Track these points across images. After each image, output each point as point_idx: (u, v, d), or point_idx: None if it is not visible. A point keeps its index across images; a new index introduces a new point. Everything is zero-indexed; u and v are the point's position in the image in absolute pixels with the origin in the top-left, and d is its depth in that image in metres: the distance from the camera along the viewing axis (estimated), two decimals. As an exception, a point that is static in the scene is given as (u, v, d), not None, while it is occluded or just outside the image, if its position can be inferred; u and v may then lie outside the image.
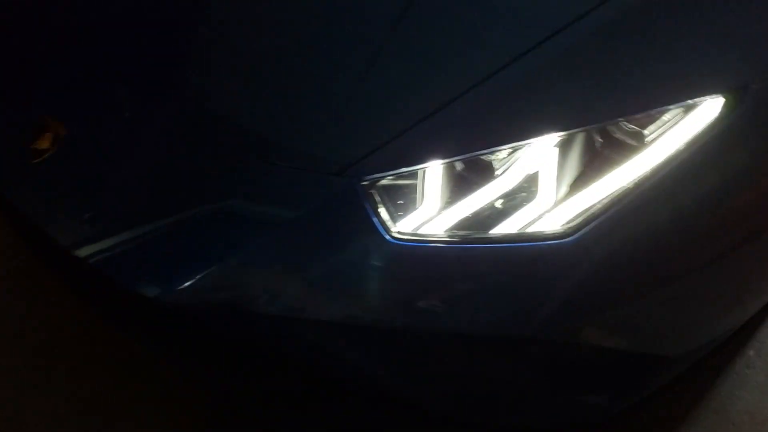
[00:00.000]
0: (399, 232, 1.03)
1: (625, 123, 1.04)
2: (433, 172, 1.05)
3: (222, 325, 1.11)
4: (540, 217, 1.02)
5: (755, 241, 1.14)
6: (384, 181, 1.06)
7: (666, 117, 1.03)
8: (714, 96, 1.02)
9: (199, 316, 1.10)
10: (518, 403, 1.20)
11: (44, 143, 1.23)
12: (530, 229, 1.02)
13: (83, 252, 1.14)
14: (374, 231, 1.03)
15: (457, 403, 1.19)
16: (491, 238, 1.02)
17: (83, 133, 1.24)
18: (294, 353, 1.13)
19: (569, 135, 1.03)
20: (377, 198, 1.05)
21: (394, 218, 1.04)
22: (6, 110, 1.33)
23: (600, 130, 1.04)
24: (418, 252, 1.03)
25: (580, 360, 1.13)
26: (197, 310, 1.09)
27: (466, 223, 1.04)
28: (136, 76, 1.27)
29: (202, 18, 1.34)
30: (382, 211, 1.04)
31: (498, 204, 1.05)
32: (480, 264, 1.02)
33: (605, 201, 1.00)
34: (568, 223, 1.01)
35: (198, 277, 1.08)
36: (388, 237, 1.03)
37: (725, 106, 1.01)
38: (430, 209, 1.05)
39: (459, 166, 1.06)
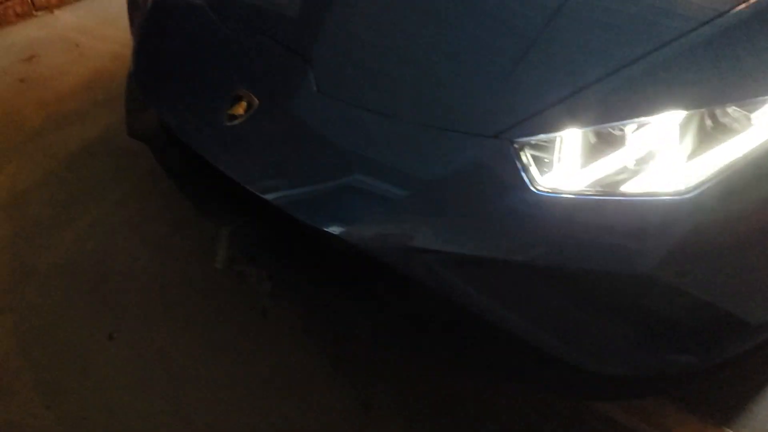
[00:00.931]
0: (544, 186, 1.28)
1: (735, 107, 1.28)
2: (573, 138, 1.30)
3: (386, 259, 1.36)
4: (661, 179, 1.26)
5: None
6: (531, 144, 1.31)
7: (768, 105, 1.27)
8: None
9: (368, 252, 1.35)
10: (623, 349, 1.41)
11: (239, 110, 1.51)
12: (654, 188, 1.26)
13: (271, 196, 1.41)
14: (523, 184, 1.28)
15: (570, 345, 1.40)
16: (621, 192, 1.26)
17: (270, 105, 1.50)
18: (436, 287, 1.37)
19: (688, 114, 1.27)
20: (526, 158, 1.30)
21: (540, 175, 1.29)
22: (207, 84, 1.60)
23: (712, 112, 1.29)
24: (559, 202, 1.27)
25: (680, 309, 1.35)
26: (369, 246, 1.34)
27: (599, 182, 1.28)
28: (312, 60, 1.54)
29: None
30: (530, 168, 1.29)
31: (626, 167, 1.29)
32: (610, 213, 1.26)
33: (717, 168, 1.24)
34: (685, 184, 1.24)
35: (373, 218, 1.34)
36: (534, 189, 1.28)
37: None
38: (569, 169, 1.30)
39: (595, 134, 1.31)
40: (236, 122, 1.49)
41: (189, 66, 1.68)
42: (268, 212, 1.53)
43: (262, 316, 1.86)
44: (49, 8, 2.91)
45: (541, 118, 1.31)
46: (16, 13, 2.82)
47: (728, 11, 1.36)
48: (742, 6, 1.36)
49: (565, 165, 1.30)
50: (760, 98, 1.27)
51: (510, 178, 1.30)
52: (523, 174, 1.29)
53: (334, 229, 1.36)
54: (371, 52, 1.53)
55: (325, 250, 1.53)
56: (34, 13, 2.87)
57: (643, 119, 1.29)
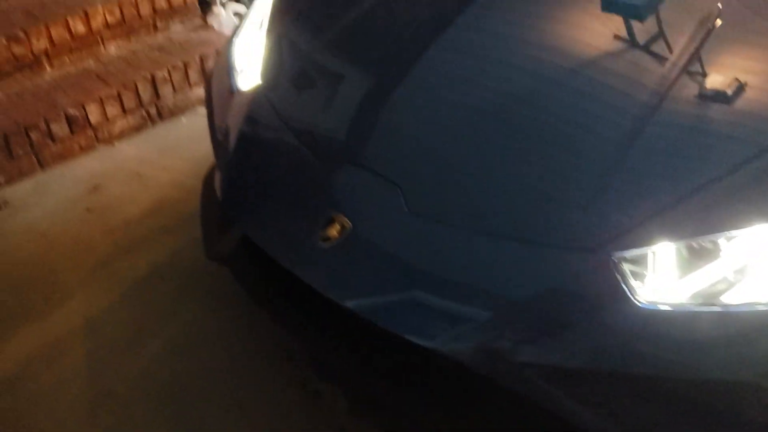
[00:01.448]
0: (644, 299, 1.33)
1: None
2: (667, 252, 1.37)
3: (481, 370, 1.40)
4: (759, 289, 1.32)
5: None
6: (630, 257, 1.37)
7: None
8: None
9: (460, 362, 1.40)
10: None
11: (333, 232, 1.58)
12: (753, 298, 1.31)
13: (366, 313, 1.47)
14: (625, 297, 1.34)
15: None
16: (721, 302, 1.32)
17: (363, 227, 1.58)
18: (537, 400, 1.40)
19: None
20: (625, 271, 1.36)
21: (640, 287, 1.35)
22: (297, 207, 1.69)
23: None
24: (661, 314, 1.33)
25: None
26: (460, 357, 1.39)
27: (698, 294, 1.34)
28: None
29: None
30: (630, 281, 1.35)
31: (724, 278, 1.35)
32: (713, 323, 1.31)
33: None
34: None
35: (469, 332, 1.40)
36: (636, 302, 1.33)
37: None
38: (666, 281, 1.36)
39: (686, 248, 1.38)
40: (330, 244, 1.56)
41: (277, 190, 1.77)
42: (355, 329, 1.58)
43: (341, 435, 1.87)
44: (110, 141, 3.06)
45: (635, 233, 1.39)
46: (80, 147, 2.97)
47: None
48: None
49: (661, 277, 1.36)
50: None
51: (611, 292, 1.35)
52: (624, 287, 1.35)
53: (428, 342, 1.41)
54: (458, 169, 1.61)
55: (413, 364, 1.57)
56: (97, 145, 3.02)
57: (732, 232, 1.36)
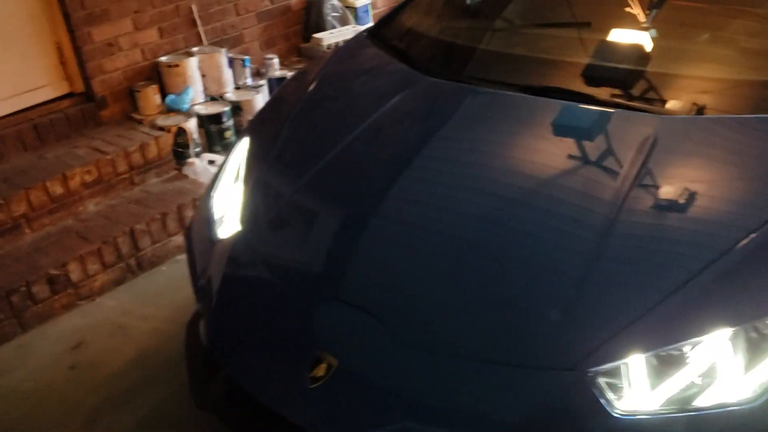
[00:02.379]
0: (622, 410, 1.40)
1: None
2: (638, 363, 1.45)
3: None
4: (727, 391, 1.39)
5: None
6: (604, 371, 1.44)
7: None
8: None
9: None
10: None
11: (320, 372, 1.64)
12: (722, 400, 1.38)
13: None
14: (603, 411, 1.40)
15: None
16: (694, 408, 1.38)
17: (349, 364, 1.64)
18: None
19: (734, 330, 1.44)
20: (601, 385, 1.43)
21: (616, 399, 1.41)
22: (284, 348, 1.75)
23: (754, 326, 1.45)
24: (639, 424, 1.39)
25: None
26: None
27: (670, 400, 1.41)
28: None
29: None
30: (607, 395, 1.42)
31: (693, 383, 1.42)
32: (688, 427, 1.37)
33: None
34: (750, 393, 1.37)
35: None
36: (614, 414, 1.39)
37: None
38: (640, 391, 1.42)
39: (655, 357, 1.46)
40: (318, 384, 1.61)
41: (262, 332, 1.83)
42: None
43: None
44: (91, 296, 3.11)
45: (607, 347, 1.46)
46: (62, 305, 3.01)
47: (754, 230, 1.57)
48: (759, 231, 1.57)
49: (636, 388, 1.43)
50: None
51: (591, 407, 1.42)
52: (602, 401, 1.41)
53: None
54: (435, 296, 1.68)
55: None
56: (78, 303, 3.07)
57: (696, 339, 1.45)
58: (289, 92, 2.63)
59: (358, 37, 2.75)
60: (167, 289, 3.17)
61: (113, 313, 3.05)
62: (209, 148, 3.86)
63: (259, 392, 1.72)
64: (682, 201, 1.67)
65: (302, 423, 1.62)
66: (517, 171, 1.96)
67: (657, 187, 1.74)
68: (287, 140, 2.28)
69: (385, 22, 2.74)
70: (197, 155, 3.75)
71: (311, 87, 2.46)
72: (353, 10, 4.69)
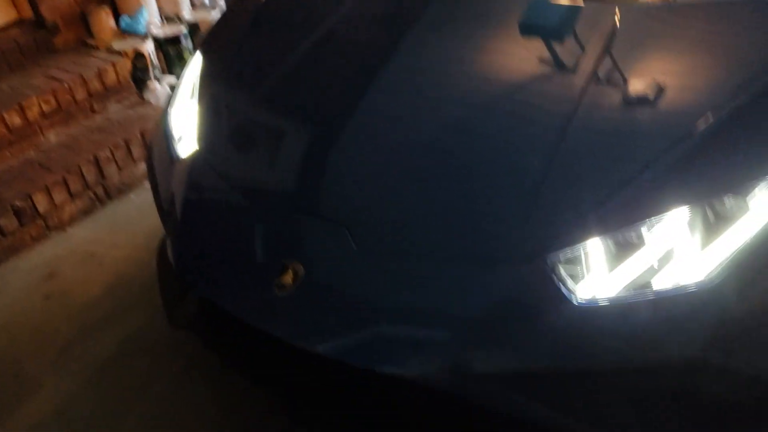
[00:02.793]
0: (582, 296, 1.41)
1: (731, 196, 1.46)
2: (597, 248, 1.46)
3: (451, 390, 1.46)
4: (685, 270, 1.41)
5: None
6: (564, 258, 1.45)
7: (758, 188, 1.44)
8: None
9: (431, 386, 1.46)
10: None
11: (287, 280, 1.64)
12: (679, 281, 1.40)
13: (329, 352, 1.53)
14: (564, 298, 1.42)
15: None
16: (652, 290, 1.40)
17: (316, 271, 1.64)
18: (499, 407, 1.46)
19: (692, 210, 1.44)
20: (561, 273, 1.44)
21: (576, 286, 1.43)
22: (250, 260, 1.74)
23: (712, 204, 1.46)
24: (600, 309, 1.41)
25: (736, 390, 1.45)
26: (430, 381, 1.45)
27: (630, 285, 1.43)
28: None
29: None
30: (567, 282, 1.43)
31: (651, 266, 1.44)
32: (648, 310, 1.39)
33: (728, 255, 1.40)
34: (706, 272, 1.39)
35: (433, 355, 1.46)
36: (574, 301, 1.41)
37: None
38: (600, 276, 1.44)
39: (613, 241, 1.47)
40: (286, 292, 1.62)
41: (228, 248, 1.82)
42: (323, 371, 1.63)
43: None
44: (61, 227, 3.08)
45: (566, 235, 1.47)
46: (31, 237, 2.98)
47: (707, 113, 1.56)
48: (718, 107, 1.57)
49: (595, 274, 1.45)
50: (750, 183, 1.45)
51: (552, 295, 1.43)
52: (562, 289, 1.43)
53: (394, 369, 1.47)
54: (400, 202, 1.69)
55: (385, 395, 1.62)
56: (48, 233, 3.04)
57: (653, 220, 1.45)
58: (242, 4, 2.54)
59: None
60: (137, 216, 3.14)
61: (84, 242, 3.03)
62: (169, 70, 3.77)
63: (229, 306, 1.73)
64: (640, 90, 1.65)
65: (272, 331, 1.63)
66: (482, 74, 1.93)
67: (615, 79, 1.71)
68: (241, 52, 2.23)
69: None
70: (157, 79, 3.66)
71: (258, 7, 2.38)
72: None
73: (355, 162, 1.80)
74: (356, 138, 1.85)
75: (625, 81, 1.70)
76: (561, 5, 1.94)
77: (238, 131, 2.07)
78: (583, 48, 1.82)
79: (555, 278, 1.44)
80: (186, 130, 2.15)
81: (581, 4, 1.94)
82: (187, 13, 3.94)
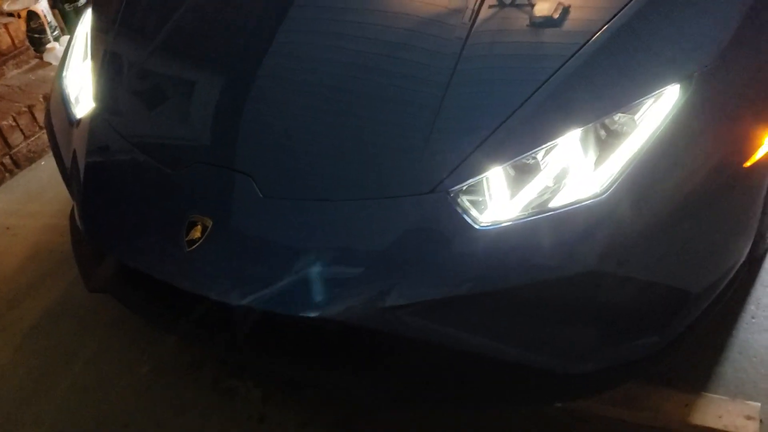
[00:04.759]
0: (485, 221, 1.46)
1: (621, 114, 1.50)
2: (497, 175, 1.50)
3: (370, 325, 1.49)
4: (580, 187, 1.46)
5: (722, 183, 1.57)
6: (464, 190, 1.49)
7: (646, 105, 1.50)
8: (673, 84, 1.50)
9: (349, 323, 1.49)
10: (590, 347, 1.57)
11: (195, 234, 1.64)
12: (575, 197, 1.45)
13: (246, 301, 1.54)
14: (467, 225, 1.46)
15: (542, 353, 1.55)
16: (550, 208, 1.45)
17: (223, 222, 1.64)
18: (417, 337, 1.51)
19: (584, 130, 1.49)
20: (463, 202, 1.48)
21: (479, 213, 1.47)
22: (158, 219, 1.73)
23: (603, 123, 1.51)
24: (502, 231, 1.45)
25: (630, 296, 1.53)
26: (350, 319, 1.48)
27: (529, 205, 1.47)
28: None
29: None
30: (470, 210, 1.47)
31: (547, 187, 1.48)
32: (546, 228, 1.44)
33: (620, 168, 1.45)
34: (599, 187, 1.44)
35: (343, 293, 1.49)
36: (477, 227, 1.45)
37: (681, 89, 1.49)
38: (501, 202, 1.48)
39: (513, 167, 1.51)
40: (195, 246, 1.62)
41: (135, 208, 1.80)
42: (245, 320, 1.65)
43: (260, 423, 1.93)
44: (-30, 201, 2.99)
45: (465, 165, 1.50)
46: (-60, 214, 2.89)
47: (595, 33, 1.58)
48: (605, 26, 1.59)
49: (497, 200, 1.49)
50: (637, 101, 1.50)
51: (455, 224, 1.47)
52: (465, 216, 1.47)
53: (312, 313, 1.50)
54: (303, 146, 1.70)
55: (306, 337, 1.65)
56: (-43, 210, 2.95)
57: (548, 144, 1.49)
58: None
59: None
60: (50, 183, 3.05)
61: (-2, 215, 2.95)
62: (68, 29, 3.61)
63: (142, 266, 1.72)
64: (525, 17, 1.68)
65: (186, 286, 1.63)
66: (375, 12, 1.93)
67: (500, 8, 1.73)
68: (134, 5, 2.15)
69: None
70: (56, 39, 3.51)
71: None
72: None
73: (254, 109, 1.79)
74: (255, 85, 1.83)
75: (510, 10, 1.71)
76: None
77: (134, 86, 2.02)
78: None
79: (458, 208, 1.47)
80: (83, 91, 2.09)
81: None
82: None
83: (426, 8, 1.86)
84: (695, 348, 1.89)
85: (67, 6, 3.56)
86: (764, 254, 2.13)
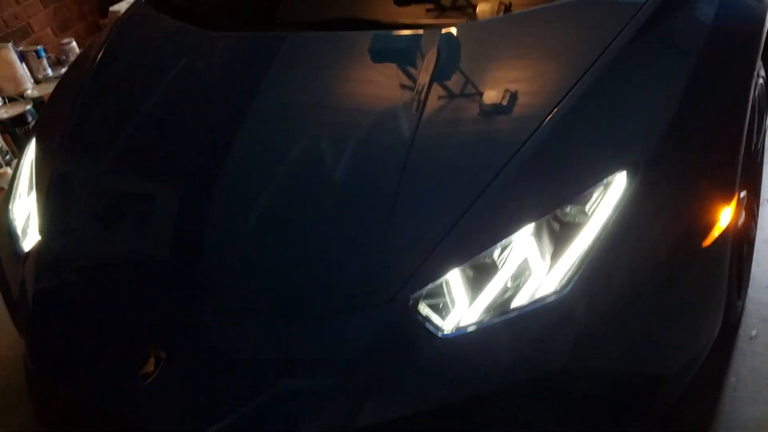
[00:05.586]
0: (448, 328, 1.41)
1: (572, 206, 1.49)
2: (455, 278, 1.45)
3: None
4: (539, 285, 1.43)
5: (683, 265, 1.55)
6: (425, 293, 1.44)
7: (595, 194, 1.48)
8: (620, 172, 1.49)
9: None
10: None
11: (149, 367, 1.56)
12: (536, 296, 1.42)
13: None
14: (429, 334, 1.41)
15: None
16: (512, 309, 1.41)
17: (179, 349, 1.56)
18: None
19: (537, 224, 1.46)
20: (424, 309, 1.43)
21: (441, 320, 1.42)
22: (112, 350, 1.64)
23: (555, 216, 1.49)
24: (465, 338, 1.41)
25: (607, 388, 1.48)
26: None
27: (490, 307, 1.43)
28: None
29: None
30: (432, 317, 1.42)
31: (508, 285, 1.45)
32: (511, 330, 1.40)
33: (577, 260, 1.43)
34: (558, 283, 1.41)
35: (311, 413, 1.43)
36: (441, 335, 1.40)
37: (628, 176, 1.49)
38: (462, 305, 1.44)
39: (471, 268, 1.47)
40: (149, 380, 1.54)
41: (87, 339, 1.72)
42: None
43: None
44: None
45: (423, 270, 1.46)
46: None
47: (540, 123, 1.58)
48: (549, 117, 1.59)
49: (458, 303, 1.44)
50: (586, 191, 1.48)
51: (417, 334, 1.42)
52: (427, 325, 1.42)
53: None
54: (255, 265, 1.63)
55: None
56: None
57: (503, 241, 1.47)
58: (70, 82, 2.43)
59: (136, 5, 2.57)
60: (4, 314, 2.95)
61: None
62: (20, 153, 3.58)
63: (95, 401, 1.63)
64: (470, 112, 1.68)
65: (141, 423, 1.54)
66: (328, 119, 1.89)
67: (447, 99, 1.73)
68: (75, 130, 2.12)
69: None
70: (8, 164, 3.47)
71: (93, 70, 2.29)
72: (146, -26, 4.41)
73: (208, 230, 1.73)
74: (208, 204, 1.77)
75: (457, 100, 1.72)
76: (401, 35, 1.96)
77: (83, 212, 1.96)
78: (413, 73, 1.83)
79: (419, 317, 1.43)
80: (30, 222, 2.03)
81: (420, 32, 1.94)
82: (31, 90, 3.77)
83: (372, 109, 1.85)
84: (678, 429, 1.83)
85: (18, 130, 3.54)
86: (738, 322, 2.10)
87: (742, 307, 2.09)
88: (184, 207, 1.82)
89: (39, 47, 3.87)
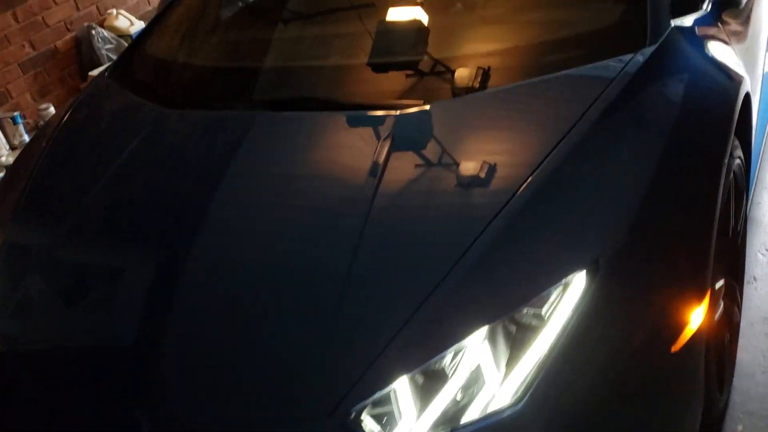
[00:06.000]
0: (393, 443, 1.29)
1: (528, 308, 1.38)
2: (403, 386, 1.33)
3: None
4: (492, 397, 1.31)
5: (651, 372, 1.45)
6: (370, 403, 1.32)
7: (553, 296, 1.38)
8: (579, 272, 1.39)
9: None
10: None
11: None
12: (489, 409, 1.30)
13: None
14: (373, 451, 1.29)
15: None
16: (461, 426, 1.29)
17: None
18: None
19: (491, 328, 1.35)
20: (367, 423, 1.31)
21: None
22: None
23: (510, 318, 1.38)
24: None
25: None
26: None
27: (440, 421, 1.31)
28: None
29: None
30: (375, 430, 1.30)
31: (458, 399, 1.33)
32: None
33: (534, 369, 1.31)
34: (514, 393, 1.30)
35: None
36: (385, 453, 1.28)
37: (588, 276, 1.38)
38: (410, 417, 1.32)
39: (421, 375, 1.35)
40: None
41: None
42: None
43: None
44: None
45: (368, 377, 1.34)
46: None
47: (494, 217, 1.48)
48: (503, 210, 1.49)
49: (405, 414, 1.32)
50: (544, 292, 1.38)
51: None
52: (370, 440, 1.30)
53: None
54: (201, 374, 1.50)
55: None
56: None
57: (455, 346, 1.35)
58: (27, 156, 2.36)
59: (98, 80, 2.51)
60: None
61: None
62: (-10, 222, 3.50)
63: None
64: (423, 197, 1.60)
65: None
66: (278, 202, 1.79)
67: (398, 188, 1.65)
68: (27, 204, 2.04)
69: (127, 57, 2.51)
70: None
71: (50, 143, 2.21)
72: (128, 38, 4.40)
73: (153, 337, 1.59)
74: (154, 309, 1.65)
75: (407, 190, 1.64)
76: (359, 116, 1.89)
77: (32, 290, 1.85)
78: (364, 160, 1.73)
79: (362, 428, 1.31)
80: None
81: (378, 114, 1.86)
82: (6, 157, 3.71)
83: (323, 198, 1.74)
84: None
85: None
86: (722, 417, 1.97)
87: (727, 401, 1.96)
88: (136, 292, 1.71)
89: (16, 113, 3.82)
